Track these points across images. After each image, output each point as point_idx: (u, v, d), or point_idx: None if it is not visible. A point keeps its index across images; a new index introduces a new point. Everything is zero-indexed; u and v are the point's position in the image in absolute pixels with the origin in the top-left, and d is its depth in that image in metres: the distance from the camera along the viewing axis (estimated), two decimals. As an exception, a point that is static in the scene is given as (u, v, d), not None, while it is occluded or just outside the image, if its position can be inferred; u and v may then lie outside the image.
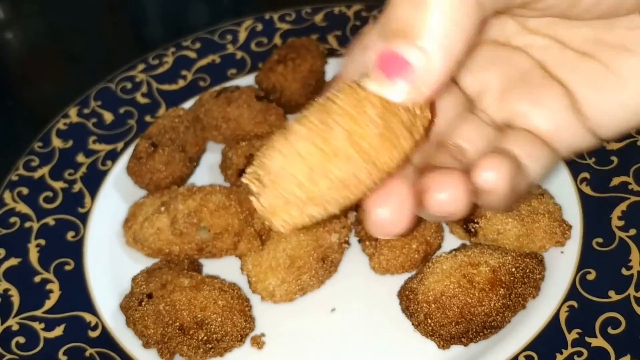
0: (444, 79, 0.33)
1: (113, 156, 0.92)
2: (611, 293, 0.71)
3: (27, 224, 0.85)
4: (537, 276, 0.71)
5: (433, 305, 0.69)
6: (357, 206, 0.80)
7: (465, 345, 0.70)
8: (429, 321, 0.69)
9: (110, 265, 0.81)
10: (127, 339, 0.74)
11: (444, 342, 0.70)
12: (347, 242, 0.78)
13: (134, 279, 0.76)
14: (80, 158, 0.92)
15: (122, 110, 0.98)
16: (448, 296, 0.68)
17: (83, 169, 0.91)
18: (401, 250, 0.75)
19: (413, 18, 0.32)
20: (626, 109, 0.40)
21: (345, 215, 0.78)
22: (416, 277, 0.73)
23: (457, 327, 0.68)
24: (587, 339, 0.68)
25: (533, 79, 0.42)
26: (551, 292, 0.72)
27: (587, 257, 0.74)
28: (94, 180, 0.90)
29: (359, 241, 0.79)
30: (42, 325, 0.75)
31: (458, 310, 0.68)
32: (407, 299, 0.71)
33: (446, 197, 0.36)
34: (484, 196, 0.37)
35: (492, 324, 0.69)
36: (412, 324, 0.72)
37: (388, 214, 0.36)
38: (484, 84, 0.43)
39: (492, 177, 0.36)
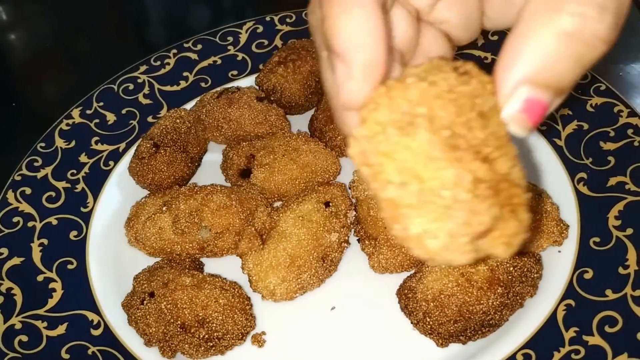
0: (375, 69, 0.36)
1: (115, 156, 0.93)
2: (608, 292, 0.71)
3: (30, 224, 0.86)
4: (535, 275, 0.72)
5: (432, 303, 0.69)
6: (356, 206, 0.80)
7: (464, 343, 0.70)
8: (428, 319, 0.69)
9: (112, 264, 0.82)
10: (129, 337, 0.74)
11: (443, 340, 0.70)
12: (347, 242, 0.79)
13: (136, 278, 0.77)
14: (83, 158, 0.93)
15: (124, 111, 0.99)
16: (447, 295, 0.69)
17: (86, 169, 0.92)
18: (400, 249, 0.75)
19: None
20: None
21: (345, 214, 0.79)
22: (415, 275, 0.73)
23: (455, 325, 0.68)
24: (585, 337, 0.69)
25: None
26: (549, 291, 0.73)
27: (584, 257, 0.75)
28: (97, 180, 0.90)
29: (359, 240, 0.80)
30: (45, 324, 0.76)
31: (456, 308, 0.68)
32: (406, 297, 0.72)
33: None
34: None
35: (491, 322, 0.69)
36: (411, 322, 0.72)
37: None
38: None
39: None
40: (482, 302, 0.68)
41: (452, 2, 0.42)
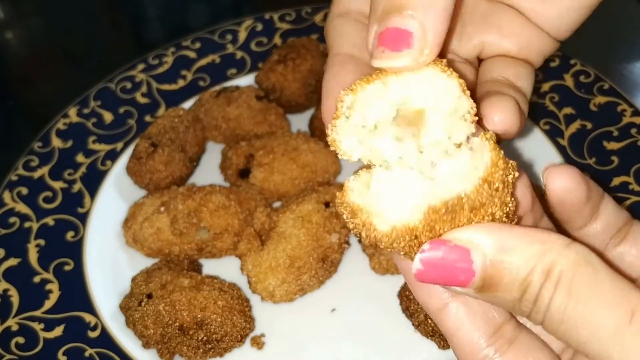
0: (441, 38, 0.35)
1: (113, 156, 0.92)
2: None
3: (27, 224, 0.85)
4: None
5: None
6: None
7: None
8: (430, 321, 0.69)
9: (110, 266, 0.81)
10: (126, 340, 0.74)
11: (445, 342, 0.70)
12: (347, 242, 0.78)
13: (133, 279, 0.76)
14: (80, 158, 0.92)
15: (121, 110, 0.98)
16: None
17: (83, 169, 0.91)
18: None
19: None
20: (569, 10, 0.44)
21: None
22: None
23: None
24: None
25: (482, 11, 0.46)
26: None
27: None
28: (94, 180, 0.89)
29: (359, 241, 0.79)
30: (42, 326, 0.75)
31: None
32: (407, 299, 0.71)
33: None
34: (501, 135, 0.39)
35: None
36: (413, 324, 0.72)
37: None
38: None
39: (502, 119, 0.39)
40: None
41: None
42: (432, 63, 0.35)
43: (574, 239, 0.34)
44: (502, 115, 0.38)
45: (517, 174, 0.34)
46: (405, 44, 0.34)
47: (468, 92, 0.35)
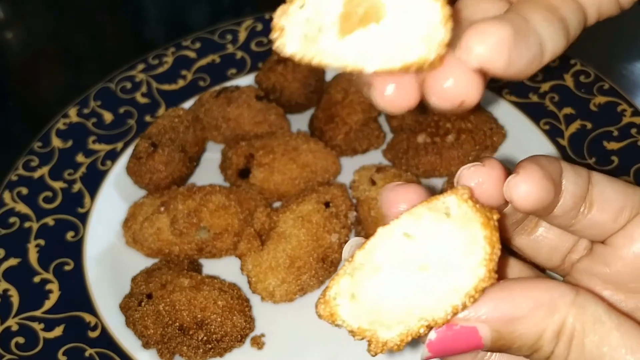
0: None
1: (113, 156, 0.92)
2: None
3: (27, 224, 0.85)
4: None
5: None
6: (357, 206, 0.79)
7: None
8: None
9: (109, 266, 0.81)
10: (126, 339, 0.74)
11: None
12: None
13: (133, 279, 0.76)
14: (80, 158, 0.92)
15: (121, 110, 0.98)
16: None
17: (83, 169, 0.91)
18: None
19: None
20: None
21: (346, 215, 0.78)
22: None
23: None
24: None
25: None
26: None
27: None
28: (94, 180, 0.89)
29: (359, 241, 0.79)
30: (42, 326, 0.75)
31: None
32: None
33: (450, 83, 0.32)
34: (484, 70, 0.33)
35: None
36: None
37: (394, 89, 0.33)
38: None
39: (479, 50, 0.31)
40: None
41: None
42: None
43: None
44: (483, 46, 0.31)
45: (498, 218, 0.31)
46: None
47: (450, 25, 0.30)
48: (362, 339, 0.32)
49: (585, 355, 0.29)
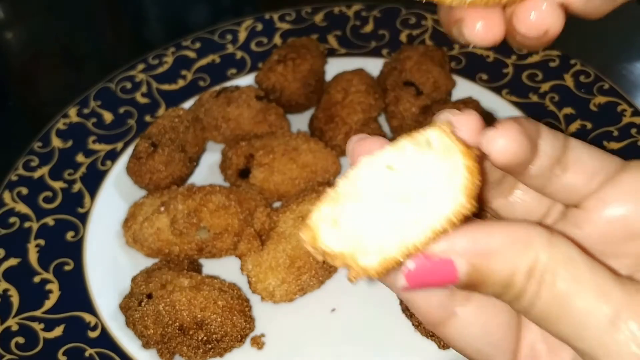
0: None
1: (113, 156, 0.92)
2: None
3: (27, 224, 0.85)
4: None
5: None
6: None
7: None
8: None
9: (109, 266, 0.81)
10: (126, 340, 0.74)
11: (445, 342, 0.70)
12: (347, 242, 0.78)
13: (133, 279, 0.76)
14: (80, 158, 0.92)
15: (121, 110, 0.98)
16: None
17: (83, 169, 0.91)
18: None
19: None
20: None
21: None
22: None
23: None
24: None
25: None
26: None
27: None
28: (94, 180, 0.89)
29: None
30: (42, 326, 0.75)
31: None
32: None
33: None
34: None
35: None
36: (412, 324, 0.71)
37: (483, 25, 0.37)
38: None
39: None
40: None
41: None
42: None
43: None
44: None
45: (479, 154, 0.32)
46: None
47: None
48: (342, 264, 0.32)
49: (555, 292, 0.29)
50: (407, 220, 0.31)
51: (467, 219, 0.31)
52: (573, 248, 0.31)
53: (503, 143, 0.32)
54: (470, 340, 0.35)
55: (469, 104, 0.87)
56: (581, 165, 0.35)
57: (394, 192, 0.31)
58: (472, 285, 0.31)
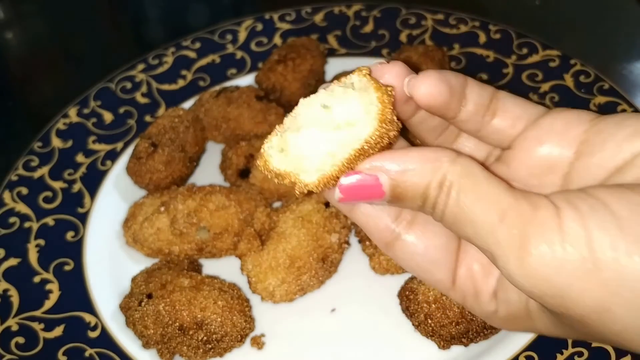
0: None
1: (113, 156, 0.92)
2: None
3: (27, 224, 0.85)
4: None
5: (433, 305, 0.69)
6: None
7: (466, 345, 0.70)
8: (430, 321, 0.69)
9: (109, 266, 0.81)
10: (126, 340, 0.74)
11: (445, 342, 0.70)
12: (347, 242, 0.78)
13: (133, 279, 0.76)
14: (80, 158, 0.92)
15: (121, 110, 0.98)
16: (448, 297, 0.68)
17: (83, 169, 0.91)
18: None
19: None
20: None
21: (345, 215, 0.78)
22: (416, 278, 0.72)
23: (457, 327, 0.68)
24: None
25: None
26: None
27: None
28: (94, 180, 0.89)
29: (359, 241, 0.79)
30: (42, 326, 0.75)
31: (458, 310, 0.68)
32: (407, 299, 0.71)
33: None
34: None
35: None
36: (413, 325, 0.71)
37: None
38: None
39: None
40: None
41: None
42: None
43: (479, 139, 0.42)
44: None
45: (393, 93, 0.39)
46: None
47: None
48: (289, 182, 0.39)
49: (460, 201, 0.35)
50: (338, 145, 0.38)
51: (391, 145, 0.39)
52: (475, 165, 0.36)
53: (423, 88, 0.38)
54: (415, 260, 0.41)
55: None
56: (507, 111, 0.41)
57: (327, 124, 0.39)
58: (396, 199, 0.37)
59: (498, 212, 0.34)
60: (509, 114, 0.40)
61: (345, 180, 0.37)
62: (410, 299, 0.71)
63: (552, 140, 0.39)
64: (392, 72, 0.39)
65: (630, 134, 0.36)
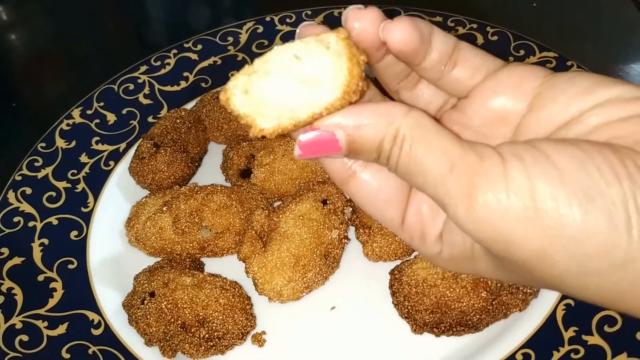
0: None
1: (116, 156, 0.93)
2: (608, 291, 0.71)
3: (31, 224, 0.86)
4: (528, 291, 0.71)
5: (414, 289, 0.70)
6: (352, 200, 0.80)
7: (437, 335, 0.71)
8: (407, 303, 0.70)
9: (113, 264, 0.82)
10: (129, 337, 0.74)
11: (417, 327, 0.71)
12: (347, 238, 0.79)
13: (136, 278, 0.77)
14: (84, 158, 0.93)
15: (124, 111, 0.99)
16: (429, 284, 0.69)
17: (86, 169, 0.92)
18: (394, 237, 0.76)
19: None
20: None
21: (342, 211, 0.79)
22: (409, 260, 0.74)
23: (431, 315, 0.69)
24: (584, 337, 0.69)
25: None
26: (548, 290, 0.72)
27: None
28: (97, 180, 0.90)
29: (355, 230, 0.80)
30: (46, 324, 0.76)
31: (435, 299, 0.69)
32: (394, 277, 0.73)
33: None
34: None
35: (468, 322, 0.69)
36: (392, 303, 0.73)
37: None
38: None
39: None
40: (462, 300, 0.68)
41: None
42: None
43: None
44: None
45: (365, 59, 0.39)
46: None
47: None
48: (245, 123, 0.39)
49: (411, 152, 0.36)
50: (300, 99, 0.39)
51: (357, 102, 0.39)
52: (426, 118, 0.37)
53: (398, 32, 0.39)
54: (368, 198, 0.42)
55: None
56: (467, 62, 0.42)
57: (295, 75, 0.39)
58: (353, 153, 0.39)
59: (448, 163, 0.35)
60: (469, 65, 0.42)
61: (303, 137, 0.39)
62: (396, 278, 0.72)
63: (507, 93, 0.40)
64: (368, 17, 0.40)
65: (580, 92, 0.37)
